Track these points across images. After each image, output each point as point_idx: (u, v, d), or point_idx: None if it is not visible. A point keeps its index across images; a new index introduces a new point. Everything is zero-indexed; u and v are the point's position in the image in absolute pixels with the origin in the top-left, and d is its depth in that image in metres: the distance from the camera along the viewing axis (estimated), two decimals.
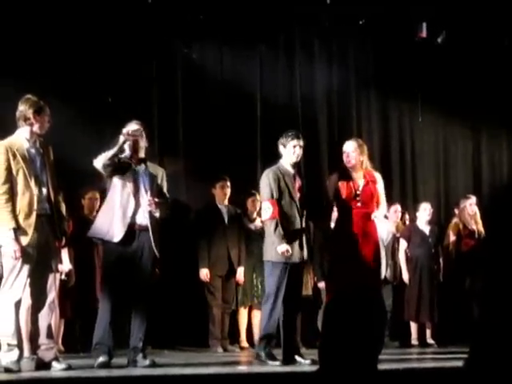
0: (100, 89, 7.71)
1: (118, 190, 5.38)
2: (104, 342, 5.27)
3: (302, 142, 5.70)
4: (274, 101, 8.72)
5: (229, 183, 7.53)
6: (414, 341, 8.10)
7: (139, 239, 5.37)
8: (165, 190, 5.59)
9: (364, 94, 9.50)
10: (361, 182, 5.78)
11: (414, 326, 8.15)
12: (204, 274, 7.33)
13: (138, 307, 5.39)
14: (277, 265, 5.57)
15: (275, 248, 5.54)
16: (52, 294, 5.00)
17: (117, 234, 5.31)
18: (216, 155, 8.24)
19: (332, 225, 6.12)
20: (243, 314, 7.66)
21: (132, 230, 5.34)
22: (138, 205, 5.36)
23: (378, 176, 5.91)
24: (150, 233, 5.37)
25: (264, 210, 5.66)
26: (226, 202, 7.56)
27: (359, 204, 5.72)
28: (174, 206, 7.58)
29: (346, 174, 5.81)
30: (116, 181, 5.40)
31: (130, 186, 5.36)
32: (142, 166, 5.49)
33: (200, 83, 8.39)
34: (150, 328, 5.45)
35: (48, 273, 4.98)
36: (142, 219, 5.37)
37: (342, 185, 5.73)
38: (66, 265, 6.48)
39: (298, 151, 5.68)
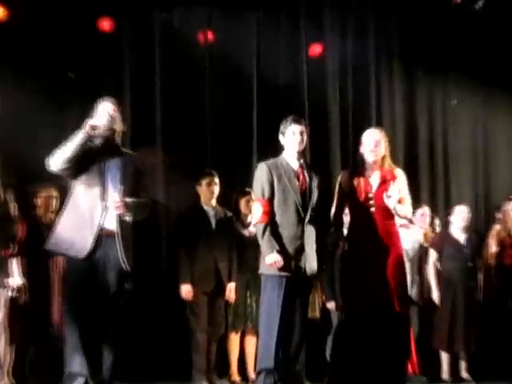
0: (57, 62, 7.67)
1: (82, 189, 5.30)
2: (77, 371, 5.22)
3: (304, 128, 5.77)
4: (273, 80, 8.68)
5: (217, 179, 7.44)
6: (446, 375, 8.04)
7: (104, 247, 5.28)
8: (145, 183, 5.56)
9: (386, 72, 9.51)
10: (375, 183, 5.86)
11: (445, 357, 8.08)
12: (186, 291, 7.21)
13: (105, 332, 5.33)
14: (270, 279, 5.59)
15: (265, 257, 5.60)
16: None
17: (84, 247, 5.21)
18: (202, 145, 8.22)
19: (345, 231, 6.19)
20: (234, 340, 7.59)
21: (96, 236, 5.28)
22: (106, 206, 5.27)
23: (398, 172, 5.96)
24: (118, 240, 5.28)
25: (254, 212, 5.72)
26: (214, 202, 7.47)
27: (373, 209, 5.78)
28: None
29: (359, 171, 5.89)
30: (80, 178, 5.30)
31: (97, 183, 5.27)
32: (114, 157, 5.38)
33: (183, 56, 8.37)
34: (120, 357, 5.40)
35: None
36: (110, 223, 5.28)
37: (355, 184, 5.83)
38: (16, 278, 6.45)
39: (299, 138, 5.72)
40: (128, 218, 5.33)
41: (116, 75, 8.00)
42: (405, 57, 9.50)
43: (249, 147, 8.53)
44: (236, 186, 7.83)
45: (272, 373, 5.51)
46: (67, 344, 5.28)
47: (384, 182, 5.82)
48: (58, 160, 5.16)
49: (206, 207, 7.42)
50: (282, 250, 5.54)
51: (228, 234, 7.45)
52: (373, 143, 5.88)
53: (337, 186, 6.01)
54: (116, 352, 5.32)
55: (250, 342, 7.53)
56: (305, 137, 5.76)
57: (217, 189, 7.44)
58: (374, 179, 5.86)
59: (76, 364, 5.20)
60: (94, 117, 5.26)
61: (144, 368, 7.58)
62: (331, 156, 9.03)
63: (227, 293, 7.36)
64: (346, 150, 9.00)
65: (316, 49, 9.13)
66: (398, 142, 9.01)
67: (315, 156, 8.43)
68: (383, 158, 5.90)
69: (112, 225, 5.26)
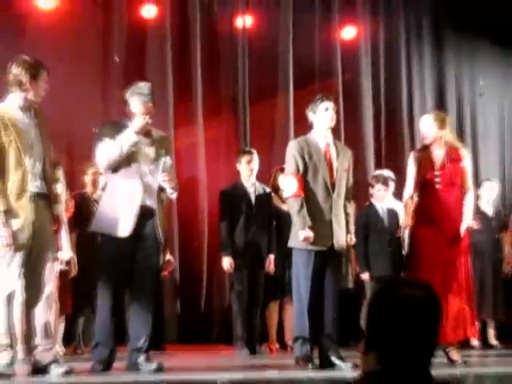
0: (104, 47, 7.72)
1: (122, 169, 5.31)
2: (104, 342, 5.30)
3: (333, 106, 5.75)
4: (308, 60, 8.63)
5: (256, 157, 7.46)
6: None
7: (143, 225, 5.31)
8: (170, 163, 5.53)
9: (416, 53, 9.44)
10: (439, 161, 5.95)
11: None
12: (228, 263, 7.29)
13: (141, 301, 5.35)
14: (299, 253, 5.63)
15: (296, 232, 5.59)
16: (50, 287, 4.91)
17: (125, 227, 5.22)
18: (240, 123, 8.21)
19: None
20: (273, 309, 7.63)
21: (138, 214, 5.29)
22: (144, 185, 5.31)
23: (465, 153, 6.08)
24: (157, 217, 5.34)
25: (287, 186, 5.69)
26: (253, 179, 7.50)
27: (438, 186, 5.90)
28: (189, 184, 8.02)
29: (425, 150, 6.01)
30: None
31: (134, 162, 5.30)
32: (146, 138, 5.40)
33: (221, 40, 8.38)
34: (160, 325, 5.48)
35: (44, 262, 4.89)
36: (149, 201, 5.33)
37: (421, 163, 5.95)
38: (65, 252, 6.41)
39: (331, 114, 5.72)
40: (173, 196, 5.41)
41: (158, 60, 7.96)
42: (435, 38, 9.39)
43: (285, 126, 8.47)
44: (272, 163, 7.82)
45: (308, 340, 5.52)
46: (98, 316, 5.38)
47: (450, 161, 5.93)
48: (108, 161, 5.25)
49: (245, 184, 7.47)
50: (313, 226, 5.54)
51: (267, 209, 7.49)
52: (421, 129, 6.12)
53: (409, 164, 6.12)
54: (154, 320, 5.35)
55: (288, 311, 7.40)
56: (335, 114, 5.77)
57: (256, 166, 7.46)
58: (439, 157, 5.95)
59: (104, 335, 5.30)
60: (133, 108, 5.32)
61: (186, 335, 7.60)
62: (364, 134, 8.95)
63: (267, 265, 7.41)
64: (378, 128, 8.98)
65: (349, 31, 9.11)
66: None
67: (348, 135, 8.42)
68: (441, 137, 5.97)
69: (151, 202, 5.31)
